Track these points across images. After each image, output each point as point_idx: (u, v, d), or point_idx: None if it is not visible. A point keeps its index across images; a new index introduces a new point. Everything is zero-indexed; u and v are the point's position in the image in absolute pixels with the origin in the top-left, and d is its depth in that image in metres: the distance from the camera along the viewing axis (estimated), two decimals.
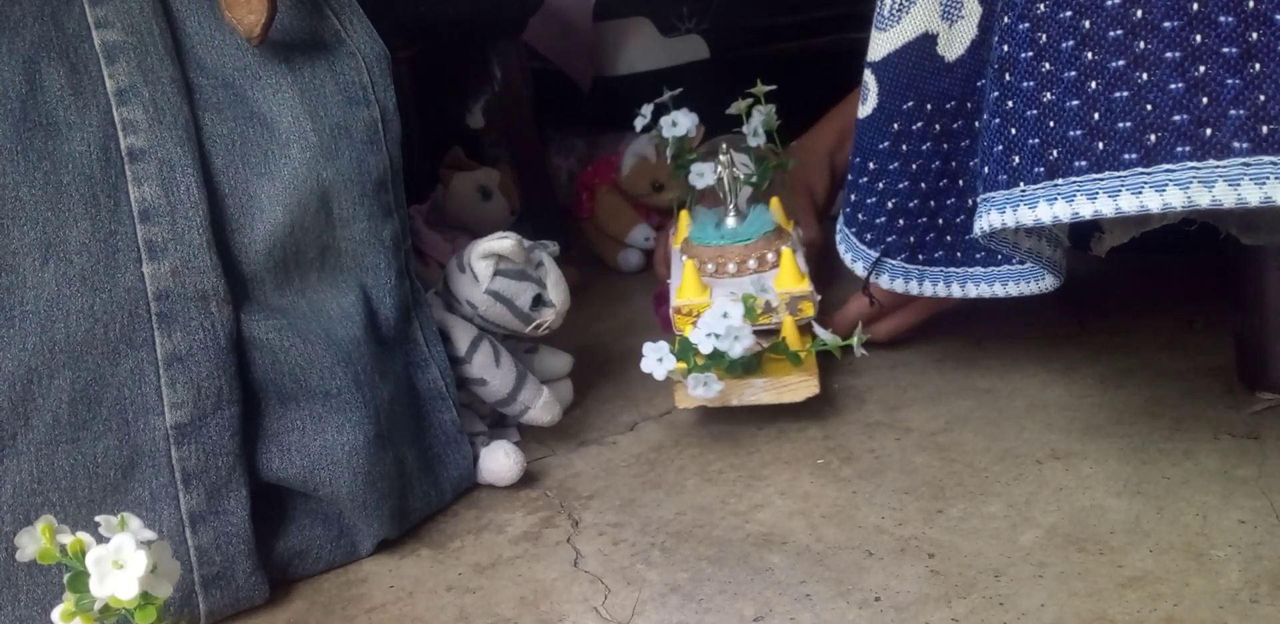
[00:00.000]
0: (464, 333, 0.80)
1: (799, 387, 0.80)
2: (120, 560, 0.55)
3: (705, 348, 0.76)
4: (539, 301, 0.80)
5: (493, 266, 0.78)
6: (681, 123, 0.97)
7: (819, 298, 0.83)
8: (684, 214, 0.97)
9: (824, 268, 0.97)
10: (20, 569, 0.63)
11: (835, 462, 0.77)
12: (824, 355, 0.85)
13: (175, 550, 0.63)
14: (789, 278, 0.83)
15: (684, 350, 0.77)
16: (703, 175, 0.94)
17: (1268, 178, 0.53)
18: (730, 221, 0.89)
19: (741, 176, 0.90)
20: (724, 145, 0.90)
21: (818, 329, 0.81)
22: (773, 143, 0.97)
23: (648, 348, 0.77)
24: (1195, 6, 0.54)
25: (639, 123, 0.99)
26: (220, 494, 0.66)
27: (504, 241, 0.78)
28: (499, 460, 0.77)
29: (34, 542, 0.55)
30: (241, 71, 0.71)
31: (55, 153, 0.66)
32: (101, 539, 0.55)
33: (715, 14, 1.31)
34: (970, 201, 0.77)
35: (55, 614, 0.56)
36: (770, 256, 0.87)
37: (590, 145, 1.34)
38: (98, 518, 0.56)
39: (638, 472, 0.79)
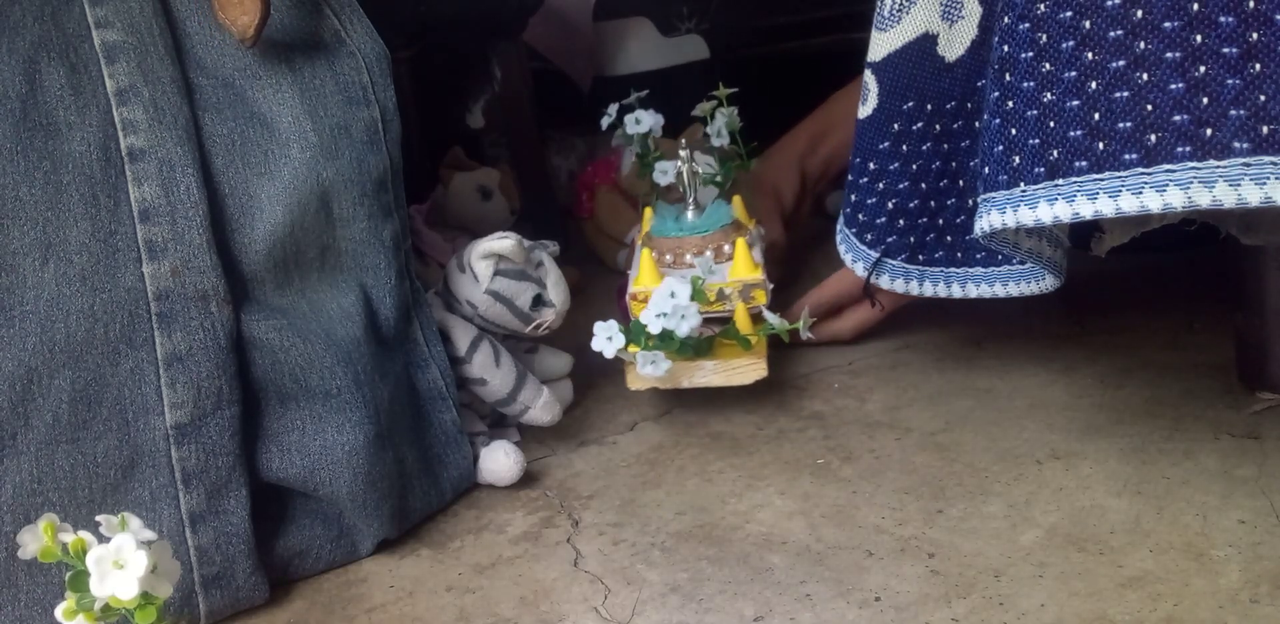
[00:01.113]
0: (464, 333, 0.80)
1: (747, 369, 0.82)
2: (121, 560, 0.54)
3: (654, 328, 0.78)
4: (539, 301, 0.80)
5: (493, 267, 0.78)
6: (645, 121, 0.98)
7: (771, 286, 0.84)
8: (648, 211, 0.98)
9: (784, 270, 1.00)
10: (20, 569, 0.63)
11: (835, 462, 0.77)
12: (806, 351, 0.85)
13: (175, 550, 0.63)
14: (743, 267, 0.84)
15: (636, 332, 0.79)
16: (666, 173, 0.96)
17: (1268, 178, 0.53)
18: (689, 215, 0.91)
19: (701, 172, 0.92)
20: (683, 140, 0.91)
21: (766, 314, 0.82)
22: (735, 143, 0.99)
23: (598, 327, 0.79)
24: (1195, 7, 0.54)
25: (604, 122, 0.99)
26: (220, 494, 0.66)
27: (504, 241, 0.78)
28: (499, 460, 0.77)
29: (35, 540, 0.55)
30: (241, 71, 0.71)
31: (55, 153, 0.66)
32: (102, 539, 0.55)
33: (715, 14, 1.31)
34: (970, 202, 0.77)
35: (58, 612, 0.56)
36: (727, 248, 0.88)
37: (590, 145, 1.34)
38: (98, 518, 0.56)
39: (638, 472, 0.79)
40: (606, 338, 0.79)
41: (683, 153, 0.90)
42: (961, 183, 0.77)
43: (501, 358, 0.80)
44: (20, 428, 0.63)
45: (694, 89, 0.99)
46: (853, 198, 0.80)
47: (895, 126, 0.75)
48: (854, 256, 0.81)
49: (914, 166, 0.77)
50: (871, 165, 0.78)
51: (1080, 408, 0.80)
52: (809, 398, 0.85)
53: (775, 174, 1.04)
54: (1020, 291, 0.76)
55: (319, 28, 0.74)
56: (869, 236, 0.80)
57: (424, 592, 0.68)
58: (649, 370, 0.79)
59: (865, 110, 0.77)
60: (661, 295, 0.78)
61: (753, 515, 0.72)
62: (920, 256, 0.80)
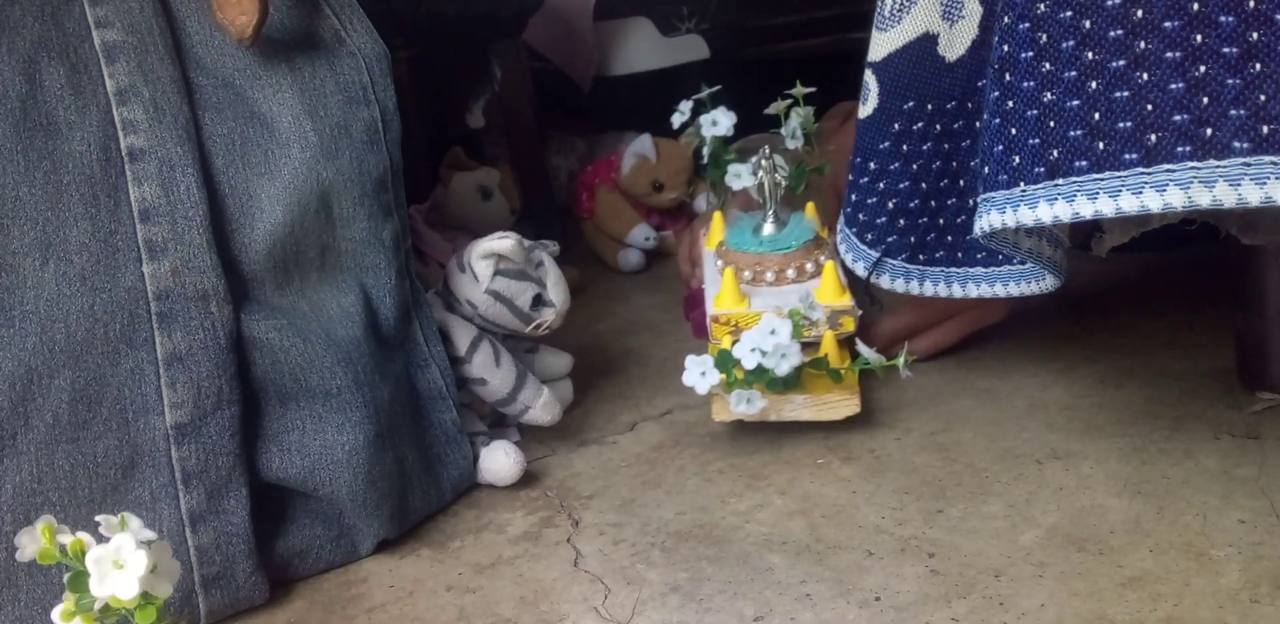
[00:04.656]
0: (464, 333, 0.80)
1: (840, 405, 0.78)
2: (120, 560, 0.54)
3: (749, 363, 0.74)
4: (539, 301, 0.80)
5: (493, 266, 0.78)
6: (721, 122, 0.94)
7: (860, 312, 0.81)
8: (717, 215, 0.95)
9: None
10: (20, 569, 0.63)
11: (835, 462, 0.77)
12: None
13: (175, 550, 0.63)
14: (830, 291, 0.81)
15: (724, 362, 0.75)
16: (739, 176, 0.91)
17: (1268, 178, 0.53)
18: (768, 228, 0.87)
19: (781, 181, 0.87)
20: (766, 148, 0.88)
21: (861, 347, 0.78)
22: (810, 145, 0.95)
23: (690, 360, 0.75)
24: (1195, 6, 0.54)
25: (677, 120, 0.96)
26: (220, 494, 0.66)
27: (504, 241, 0.78)
28: (499, 460, 0.77)
29: (34, 541, 0.55)
30: (241, 71, 0.71)
31: (55, 153, 0.66)
32: (101, 539, 0.55)
33: (715, 14, 1.31)
34: (971, 202, 0.77)
35: (55, 614, 0.56)
36: (809, 267, 0.85)
37: (590, 145, 1.34)
38: (98, 518, 0.56)
39: (638, 472, 0.79)
40: (700, 373, 0.75)
41: (764, 161, 0.86)
42: (962, 183, 0.77)
43: (501, 358, 0.80)
44: (20, 428, 0.63)
45: (694, 89, 0.99)
46: (853, 197, 0.80)
47: (895, 126, 0.76)
48: (854, 256, 0.81)
49: (914, 166, 0.77)
50: (872, 165, 0.78)
51: (1080, 408, 0.80)
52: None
53: (839, 175, 1.02)
54: (1021, 291, 0.76)
55: (319, 28, 0.74)
56: (869, 236, 0.80)
57: (424, 592, 0.68)
58: (743, 408, 0.75)
59: (866, 110, 0.77)
60: (760, 331, 0.74)
61: (753, 515, 0.72)
62: (921, 256, 0.80)
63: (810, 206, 0.91)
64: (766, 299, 0.83)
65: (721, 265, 0.86)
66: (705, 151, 0.98)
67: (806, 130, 0.94)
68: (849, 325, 0.81)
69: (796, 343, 0.75)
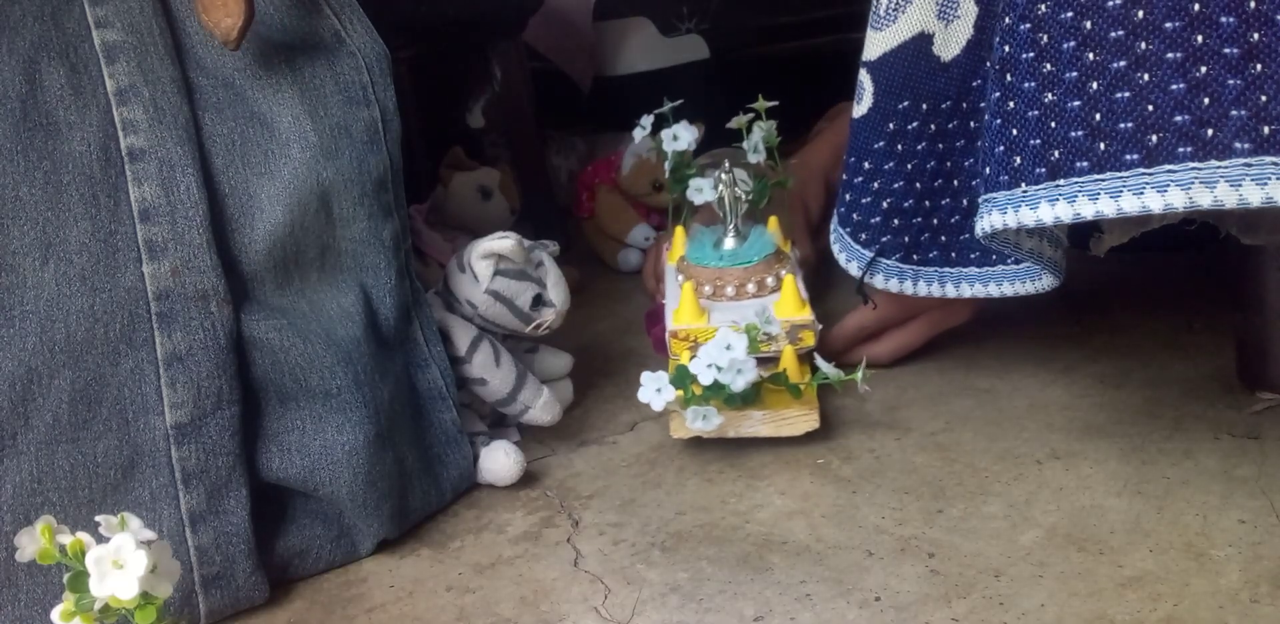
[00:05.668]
0: (464, 333, 0.80)
1: (799, 420, 0.78)
2: (120, 560, 0.54)
3: (705, 379, 0.74)
4: (539, 301, 0.80)
5: (493, 266, 0.78)
6: (682, 137, 0.94)
7: (820, 327, 0.81)
8: (679, 230, 0.95)
9: (816, 283, 0.97)
10: (20, 569, 0.63)
11: (835, 462, 0.77)
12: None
13: (175, 550, 0.63)
14: (790, 305, 0.80)
15: (681, 378, 0.75)
16: (701, 191, 0.91)
17: (1269, 178, 0.53)
18: (729, 242, 0.86)
19: (743, 195, 0.87)
20: (725, 162, 0.87)
21: (820, 362, 0.78)
22: (772, 159, 0.95)
23: (646, 377, 0.75)
24: (1196, 7, 0.54)
25: (638, 134, 0.96)
26: (220, 494, 0.66)
27: (504, 241, 0.78)
28: (499, 460, 0.77)
29: (34, 542, 0.55)
30: (241, 71, 0.71)
31: (55, 153, 0.66)
32: (101, 539, 0.55)
33: (715, 14, 1.31)
34: (965, 201, 0.77)
35: (55, 614, 0.56)
36: (770, 281, 0.84)
37: (590, 145, 1.34)
38: (98, 518, 0.56)
39: (638, 472, 0.79)
40: (655, 390, 0.75)
41: (724, 175, 0.86)
42: (956, 182, 0.77)
43: (501, 358, 0.80)
44: (20, 428, 0.63)
45: (694, 89, 0.99)
46: (847, 197, 0.80)
47: (890, 126, 0.76)
48: (848, 256, 0.81)
49: (909, 166, 0.77)
50: (866, 164, 0.78)
51: (1080, 408, 0.80)
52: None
53: (803, 188, 1.02)
54: (1015, 291, 0.76)
55: (319, 28, 0.74)
56: (863, 236, 0.80)
57: (424, 592, 0.68)
58: (699, 425, 0.75)
59: (860, 109, 0.77)
60: (716, 346, 0.73)
61: (753, 515, 0.72)
62: (915, 256, 0.80)
63: (773, 220, 0.90)
64: (726, 314, 0.82)
65: (682, 280, 0.85)
66: (666, 167, 0.97)
67: (769, 144, 0.94)
68: (809, 340, 0.80)
69: (752, 358, 0.74)
